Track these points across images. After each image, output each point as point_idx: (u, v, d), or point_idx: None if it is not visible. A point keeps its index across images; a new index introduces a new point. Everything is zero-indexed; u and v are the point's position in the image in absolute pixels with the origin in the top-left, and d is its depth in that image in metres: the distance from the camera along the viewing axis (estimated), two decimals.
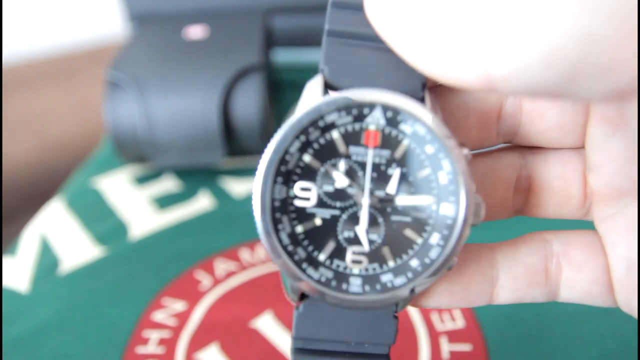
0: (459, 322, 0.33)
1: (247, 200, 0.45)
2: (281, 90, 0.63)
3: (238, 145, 0.49)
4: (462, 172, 0.17)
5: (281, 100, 0.63)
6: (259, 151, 0.49)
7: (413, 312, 0.33)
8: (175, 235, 0.42)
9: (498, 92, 0.15)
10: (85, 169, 0.52)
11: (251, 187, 0.46)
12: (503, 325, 0.33)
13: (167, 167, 0.48)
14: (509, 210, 0.21)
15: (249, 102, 0.49)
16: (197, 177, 0.48)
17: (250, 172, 0.49)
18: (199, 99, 0.48)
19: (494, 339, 0.32)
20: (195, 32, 0.57)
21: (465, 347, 0.31)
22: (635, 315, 0.20)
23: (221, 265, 0.38)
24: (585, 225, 0.21)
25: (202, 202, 0.45)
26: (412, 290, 0.18)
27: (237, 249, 0.39)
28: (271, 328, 0.33)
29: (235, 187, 0.47)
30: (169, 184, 0.48)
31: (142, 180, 0.49)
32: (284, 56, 0.63)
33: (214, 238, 0.41)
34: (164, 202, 0.45)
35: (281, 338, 0.32)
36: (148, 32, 0.58)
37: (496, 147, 0.21)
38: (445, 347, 0.31)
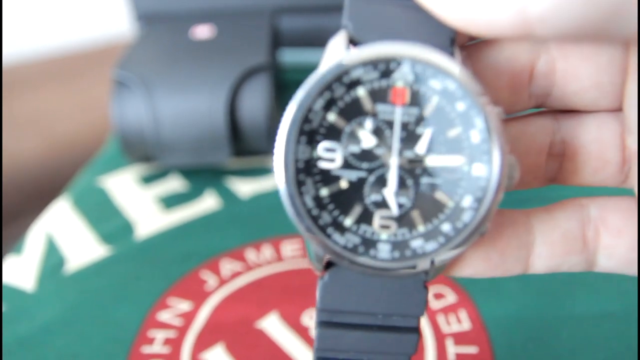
0: (465, 325, 0.33)
1: (253, 200, 0.45)
2: (288, 91, 0.63)
3: (244, 145, 0.49)
4: (495, 129, 0.16)
5: (288, 101, 0.63)
6: (266, 151, 0.49)
7: None
8: (181, 235, 0.42)
9: (535, 38, 0.14)
10: (91, 168, 0.52)
11: (258, 188, 0.46)
12: (509, 327, 0.33)
13: (173, 167, 0.48)
14: (543, 178, 0.20)
15: (255, 103, 0.49)
16: (203, 177, 0.48)
17: (256, 172, 0.49)
18: (205, 99, 0.48)
19: (500, 342, 0.32)
20: (202, 32, 0.57)
21: (471, 350, 0.31)
22: None
23: (227, 266, 0.38)
24: (623, 193, 0.20)
25: (208, 202, 0.45)
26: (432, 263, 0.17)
27: (243, 249, 0.39)
28: (277, 329, 0.33)
29: (242, 187, 0.47)
30: (175, 184, 0.48)
31: (148, 179, 0.49)
32: (291, 56, 0.63)
33: (219, 238, 0.41)
34: (170, 201, 0.45)
35: (287, 339, 0.32)
36: (155, 31, 0.59)
37: (528, 112, 0.20)
38: (451, 349, 0.31)
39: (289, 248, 0.39)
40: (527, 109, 0.20)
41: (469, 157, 0.16)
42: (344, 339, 0.18)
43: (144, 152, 0.49)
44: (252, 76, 0.50)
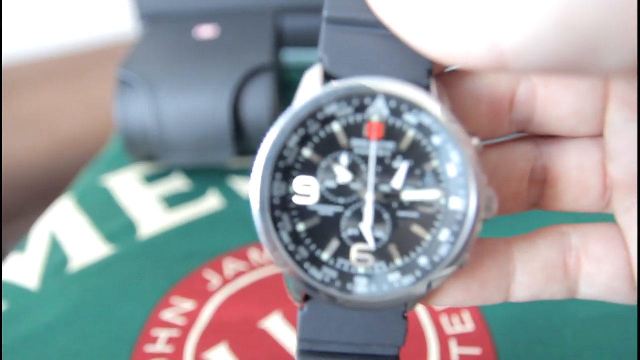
0: (469, 326, 0.33)
1: None
2: (291, 91, 0.63)
3: (248, 145, 0.49)
4: (472, 163, 0.16)
5: (291, 101, 0.63)
6: None
7: (422, 315, 0.33)
8: (185, 234, 0.42)
9: (510, 70, 0.14)
10: (95, 167, 0.52)
11: None
12: (513, 329, 0.33)
13: (177, 166, 0.48)
14: (525, 204, 0.20)
15: (259, 102, 0.49)
16: (206, 176, 0.48)
17: None
18: (209, 99, 0.48)
19: (503, 343, 0.32)
20: (206, 31, 0.57)
21: (474, 351, 0.31)
22: None
23: (230, 265, 0.38)
24: (605, 219, 0.20)
25: (211, 202, 0.45)
26: (428, 286, 0.17)
27: (246, 249, 0.39)
28: (280, 328, 0.33)
29: (245, 187, 0.47)
30: (178, 183, 0.48)
31: (152, 179, 0.49)
32: (294, 56, 0.63)
33: (223, 238, 0.41)
34: (173, 201, 0.45)
35: (290, 339, 0.32)
36: (158, 31, 0.59)
37: (509, 138, 0.20)
38: (455, 350, 0.31)
39: None
40: (508, 134, 0.20)
41: (445, 191, 0.16)
42: None
43: (147, 151, 0.49)
44: (256, 76, 0.50)
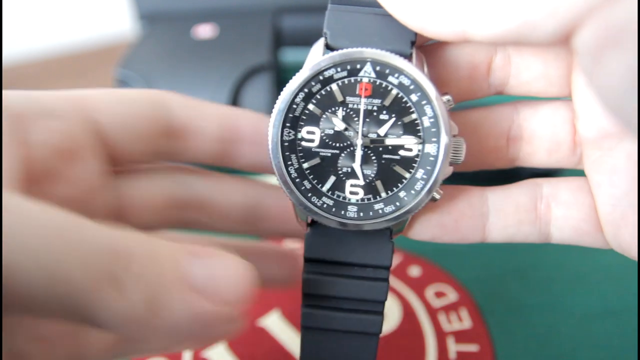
0: (466, 323, 0.33)
1: None
2: None
3: None
4: (441, 116, 0.19)
5: None
6: None
7: (420, 313, 0.34)
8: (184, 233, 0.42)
9: (472, 41, 0.18)
10: None
11: None
12: (510, 325, 0.33)
13: None
14: (506, 159, 0.23)
15: (258, 102, 0.49)
16: None
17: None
18: (207, 98, 0.48)
19: (500, 340, 0.32)
20: (205, 31, 0.57)
21: (472, 348, 0.31)
22: (624, 252, 0.21)
23: None
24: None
25: None
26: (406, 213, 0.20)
27: None
28: (279, 327, 0.33)
29: None
30: None
31: None
32: (292, 56, 0.63)
33: (221, 236, 0.41)
34: None
35: (289, 337, 0.32)
36: (157, 30, 0.59)
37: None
38: (452, 347, 0.31)
39: (291, 246, 0.39)
40: (488, 95, 0.23)
41: (422, 139, 0.20)
42: (328, 284, 0.21)
43: None
44: (254, 75, 0.50)
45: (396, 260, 0.38)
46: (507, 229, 0.22)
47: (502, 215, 0.22)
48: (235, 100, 0.49)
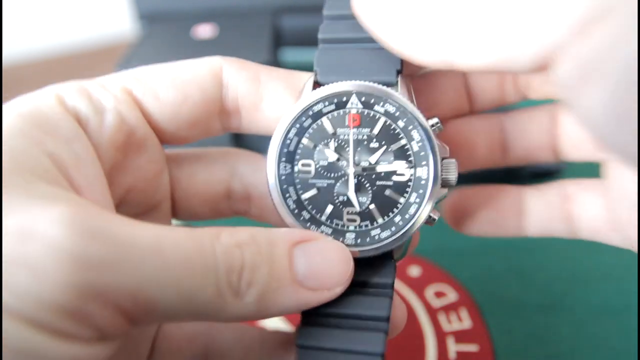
0: (466, 323, 0.33)
1: None
2: None
3: (246, 145, 0.49)
4: (429, 139, 0.20)
5: None
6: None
7: (420, 313, 0.34)
8: None
9: (456, 69, 0.19)
10: None
11: None
12: (510, 325, 0.33)
13: None
14: (497, 161, 0.25)
15: None
16: None
17: None
18: None
19: (500, 340, 0.32)
20: (205, 31, 0.57)
21: (472, 348, 0.31)
22: (634, 249, 0.22)
23: None
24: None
25: None
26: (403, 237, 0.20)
27: None
28: (277, 326, 0.33)
29: None
30: None
31: None
32: (292, 56, 0.63)
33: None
34: None
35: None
36: (157, 30, 0.59)
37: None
38: (452, 347, 0.31)
39: None
40: (470, 111, 0.25)
41: (412, 163, 0.20)
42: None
43: None
44: None
45: None
46: (540, 224, 0.24)
47: (536, 213, 0.24)
48: None
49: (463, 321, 0.33)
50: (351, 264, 0.19)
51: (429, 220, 0.20)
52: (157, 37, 0.57)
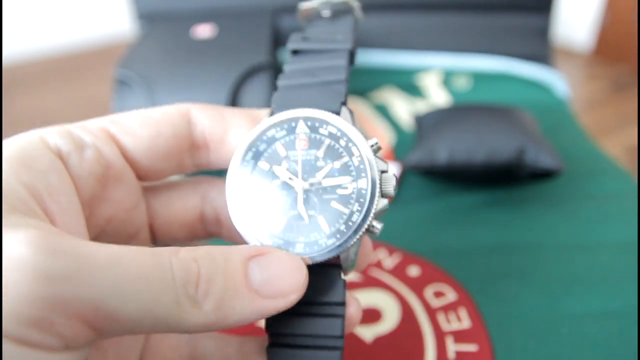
0: (465, 323, 0.33)
1: None
2: None
3: None
4: (366, 154, 0.22)
5: None
6: None
7: (420, 313, 0.33)
8: None
9: None
10: None
11: None
12: (509, 325, 0.33)
13: None
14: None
15: (256, 101, 0.49)
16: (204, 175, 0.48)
17: None
18: (207, 98, 0.48)
19: (500, 340, 0.32)
20: (204, 31, 0.57)
21: (471, 348, 0.31)
22: None
23: None
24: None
25: None
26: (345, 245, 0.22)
27: None
28: None
29: None
30: None
31: None
32: None
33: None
34: None
35: None
36: (156, 30, 0.59)
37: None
38: (451, 347, 0.31)
39: None
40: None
41: (354, 177, 0.22)
42: (288, 322, 0.22)
43: None
44: (253, 75, 0.50)
45: (395, 260, 0.38)
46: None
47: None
48: (234, 100, 0.49)
49: (462, 321, 0.33)
50: (304, 271, 0.20)
51: (371, 228, 0.22)
52: (156, 36, 0.57)
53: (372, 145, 0.22)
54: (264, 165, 0.23)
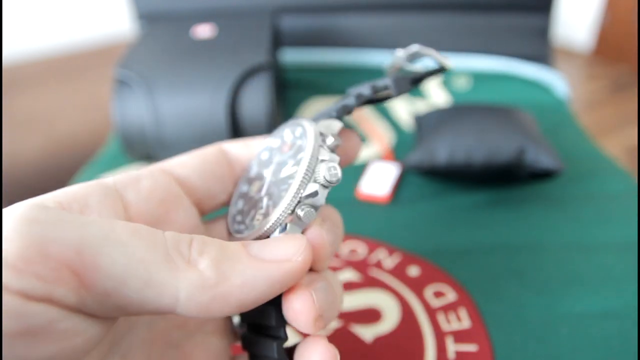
0: (465, 323, 0.33)
1: None
2: (288, 90, 0.63)
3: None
4: (311, 149, 0.23)
5: (288, 100, 0.63)
6: None
7: (420, 313, 0.33)
8: None
9: None
10: (92, 167, 0.52)
11: None
12: (509, 325, 0.33)
13: None
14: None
15: (256, 101, 0.49)
16: None
17: None
18: (206, 98, 0.48)
19: (499, 340, 0.32)
20: (204, 31, 0.57)
21: (471, 348, 0.31)
22: None
23: None
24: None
25: None
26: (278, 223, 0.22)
27: None
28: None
29: None
30: None
31: None
32: (291, 56, 0.63)
33: None
34: None
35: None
36: (156, 30, 0.59)
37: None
38: (451, 347, 0.31)
39: None
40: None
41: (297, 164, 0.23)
42: (250, 343, 0.24)
43: (145, 150, 0.49)
44: (253, 75, 0.50)
45: (395, 260, 0.38)
46: None
47: None
48: (234, 100, 0.49)
49: (462, 321, 0.33)
50: (304, 238, 0.20)
51: (297, 215, 0.22)
52: (156, 36, 0.57)
53: (324, 141, 0.23)
54: (259, 169, 0.25)
